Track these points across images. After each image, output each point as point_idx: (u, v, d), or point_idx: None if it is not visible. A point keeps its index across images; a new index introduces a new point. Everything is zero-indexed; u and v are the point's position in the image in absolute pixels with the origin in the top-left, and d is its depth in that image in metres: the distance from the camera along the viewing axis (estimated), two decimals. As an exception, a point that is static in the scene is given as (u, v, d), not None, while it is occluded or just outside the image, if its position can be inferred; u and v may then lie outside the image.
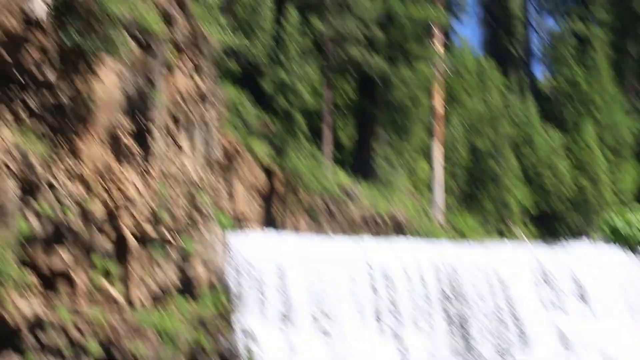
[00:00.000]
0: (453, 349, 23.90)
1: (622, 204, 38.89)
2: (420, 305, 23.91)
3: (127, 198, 19.91)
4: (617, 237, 29.14)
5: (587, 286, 26.53)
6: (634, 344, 25.62)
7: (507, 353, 24.26)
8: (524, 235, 37.24)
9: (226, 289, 21.68)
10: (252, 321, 21.55)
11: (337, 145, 35.12)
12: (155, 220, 20.47)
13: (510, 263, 25.98)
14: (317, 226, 28.78)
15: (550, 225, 41.38)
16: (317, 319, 22.35)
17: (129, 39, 19.80)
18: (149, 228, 20.34)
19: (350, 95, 37.64)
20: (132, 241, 20.01)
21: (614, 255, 28.24)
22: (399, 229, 31.26)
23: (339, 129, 37.00)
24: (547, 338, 24.97)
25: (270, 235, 24.32)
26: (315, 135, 32.12)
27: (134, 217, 20.08)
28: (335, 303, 22.73)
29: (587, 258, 27.64)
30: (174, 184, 21.28)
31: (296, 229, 28.14)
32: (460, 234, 32.59)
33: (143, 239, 20.32)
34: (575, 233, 36.50)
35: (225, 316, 21.12)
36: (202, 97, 22.90)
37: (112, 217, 19.73)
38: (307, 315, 22.26)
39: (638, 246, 28.67)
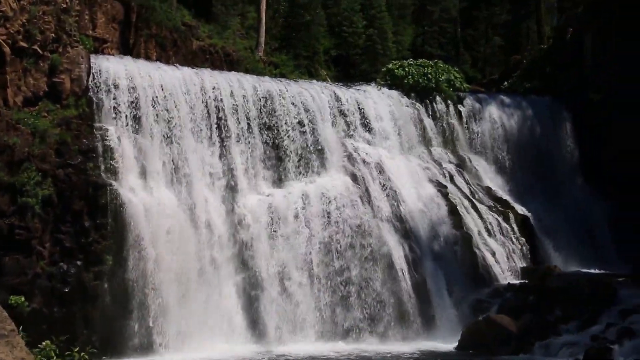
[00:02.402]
0: (266, 157, 24.76)
1: (401, 57, 40.15)
2: (242, 123, 24.42)
3: (2, 13, 18.93)
4: (396, 82, 30.05)
5: (371, 118, 27.57)
6: (399, 159, 27.30)
7: (309, 168, 25.26)
8: (327, 76, 37.98)
9: (88, 99, 21.31)
10: (108, 126, 21.46)
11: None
12: (28, 35, 19.59)
13: (315, 97, 26.65)
14: (165, 55, 28.26)
15: (346, 69, 42.47)
16: (162, 130, 22.48)
17: None
18: (22, 42, 19.51)
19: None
20: (7, 51, 19.16)
21: (392, 95, 29.13)
22: (230, 62, 31.22)
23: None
24: (339, 156, 25.96)
25: (125, 59, 23.73)
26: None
27: (8, 30, 19.17)
28: (177, 118, 22.85)
29: (372, 97, 28.51)
30: (43, 5, 20.33)
31: (147, 56, 27.51)
32: (277, 70, 32.86)
33: (17, 51, 19.49)
34: (365, 77, 37.55)
35: (86, 121, 20.87)
36: None
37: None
38: (153, 125, 22.30)
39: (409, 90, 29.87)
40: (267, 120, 24.92)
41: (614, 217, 29.09)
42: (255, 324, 22.13)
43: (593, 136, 30.74)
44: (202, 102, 23.64)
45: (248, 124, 24.43)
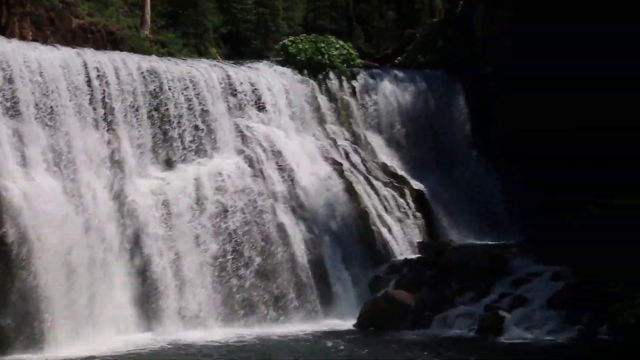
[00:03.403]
0: (155, 140, 24.42)
1: (293, 33, 40.16)
2: (129, 104, 23.98)
3: None
4: (289, 59, 30.10)
5: (264, 96, 27.46)
6: (293, 137, 27.36)
7: (201, 150, 25.10)
8: (217, 54, 37.65)
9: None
10: (-18, 113, 20.70)
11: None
12: None
13: (204, 75, 26.39)
14: (42, 35, 27.35)
15: (237, 47, 42.23)
16: (42, 114, 21.84)
17: None
18: None
19: None
20: None
21: (285, 72, 29.07)
22: (113, 41, 30.53)
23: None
24: (232, 137, 25.86)
25: (-2, 41, 22.86)
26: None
27: None
28: (57, 101, 22.25)
29: (264, 74, 28.42)
30: None
31: (22, 37, 26.53)
32: (165, 49, 32.36)
33: None
34: (257, 54, 37.44)
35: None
36: None
37: None
38: (32, 109, 21.64)
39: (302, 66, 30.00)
40: (154, 101, 24.56)
41: (507, 189, 30.07)
42: (150, 312, 21.91)
43: (483, 110, 31.55)
44: (85, 83, 23.08)
45: (134, 104, 24.01)
